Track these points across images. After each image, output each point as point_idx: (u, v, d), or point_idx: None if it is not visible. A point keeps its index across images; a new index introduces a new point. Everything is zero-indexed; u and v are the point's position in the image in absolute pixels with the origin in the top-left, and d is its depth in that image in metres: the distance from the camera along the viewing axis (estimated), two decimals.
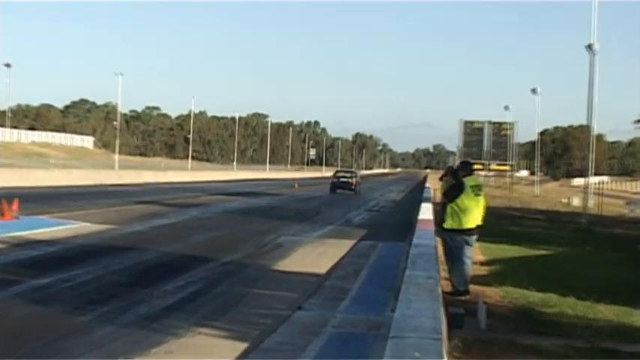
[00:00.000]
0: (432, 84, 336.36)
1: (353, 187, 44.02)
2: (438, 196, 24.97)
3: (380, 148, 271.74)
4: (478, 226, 9.91)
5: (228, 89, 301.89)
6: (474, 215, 9.80)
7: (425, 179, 70.78)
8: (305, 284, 10.64)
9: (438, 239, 10.21)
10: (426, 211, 15.75)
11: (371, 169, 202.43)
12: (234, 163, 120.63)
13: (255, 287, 10.28)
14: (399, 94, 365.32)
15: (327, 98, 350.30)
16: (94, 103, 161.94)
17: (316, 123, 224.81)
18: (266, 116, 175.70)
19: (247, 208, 26.28)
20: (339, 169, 69.01)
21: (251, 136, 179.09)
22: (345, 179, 45.17)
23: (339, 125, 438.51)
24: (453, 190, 9.99)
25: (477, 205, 9.85)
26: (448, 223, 9.84)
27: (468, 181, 9.92)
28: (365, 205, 33.46)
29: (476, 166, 12.31)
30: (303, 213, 25.47)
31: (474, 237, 9.98)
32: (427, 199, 23.15)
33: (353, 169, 63.01)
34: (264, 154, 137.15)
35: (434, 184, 38.97)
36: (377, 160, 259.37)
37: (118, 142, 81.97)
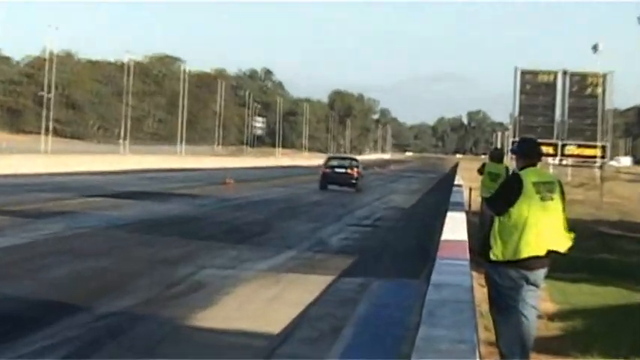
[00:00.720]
0: (463, 10, 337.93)
1: (354, 180, 50.72)
2: (477, 201, 25.14)
3: (376, 116, 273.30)
4: (550, 253, 9.66)
5: (112, 15, 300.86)
6: (540, 233, 9.55)
7: (454, 171, 71.15)
8: (244, 351, 10.69)
9: (477, 275, 10.20)
10: (456, 227, 15.82)
11: (360, 152, 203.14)
12: (124, 141, 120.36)
13: (156, 356, 10.26)
14: (408, 29, 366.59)
15: (285, 31, 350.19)
16: None
17: (268, 73, 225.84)
18: (179, 60, 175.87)
19: (147, 220, 26.38)
20: (332, 154, 78.78)
21: (153, 95, 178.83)
22: (343, 169, 51.69)
23: (308, 79, 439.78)
24: (503, 193, 9.85)
25: (545, 216, 9.57)
26: (496, 251, 9.55)
27: (528, 175, 9.67)
28: (350, 215, 33.65)
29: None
30: (244, 228, 25.63)
31: (542, 272, 9.74)
32: (458, 206, 23.27)
33: (352, 156, 74.14)
34: (176, 125, 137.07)
35: (469, 180, 39.17)
36: (370, 137, 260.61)
37: None
